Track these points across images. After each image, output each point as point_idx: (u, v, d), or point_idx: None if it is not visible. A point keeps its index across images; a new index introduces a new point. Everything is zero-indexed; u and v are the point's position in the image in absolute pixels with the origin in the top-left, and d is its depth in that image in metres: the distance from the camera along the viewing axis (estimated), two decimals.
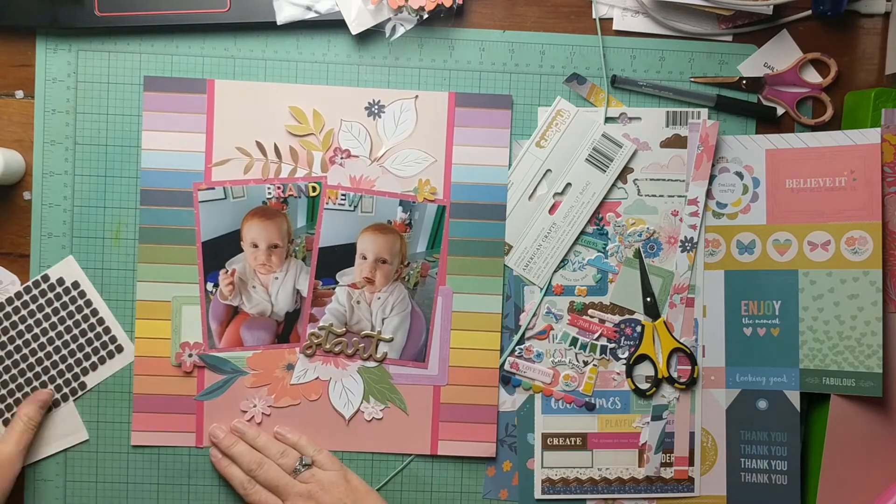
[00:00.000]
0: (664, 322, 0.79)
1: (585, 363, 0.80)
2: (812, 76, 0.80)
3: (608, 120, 0.78)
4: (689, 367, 0.79)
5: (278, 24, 0.76)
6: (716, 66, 0.80)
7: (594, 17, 0.79)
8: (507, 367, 0.79)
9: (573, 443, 0.79)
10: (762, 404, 0.79)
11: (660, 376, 0.79)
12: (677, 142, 0.78)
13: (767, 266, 0.79)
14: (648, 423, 0.79)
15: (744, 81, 0.79)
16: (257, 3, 0.76)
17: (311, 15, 0.76)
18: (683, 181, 0.78)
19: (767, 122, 0.80)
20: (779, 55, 0.80)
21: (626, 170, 0.78)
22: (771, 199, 0.78)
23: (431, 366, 0.79)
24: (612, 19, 0.79)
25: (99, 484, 0.79)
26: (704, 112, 0.78)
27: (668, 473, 0.79)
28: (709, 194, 0.79)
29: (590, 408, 0.79)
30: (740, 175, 0.79)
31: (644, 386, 0.79)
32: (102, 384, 0.78)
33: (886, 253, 0.76)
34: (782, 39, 0.79)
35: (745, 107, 0.79)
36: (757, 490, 0.80)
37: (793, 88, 0.80)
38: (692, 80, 0.80)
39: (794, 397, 0.79)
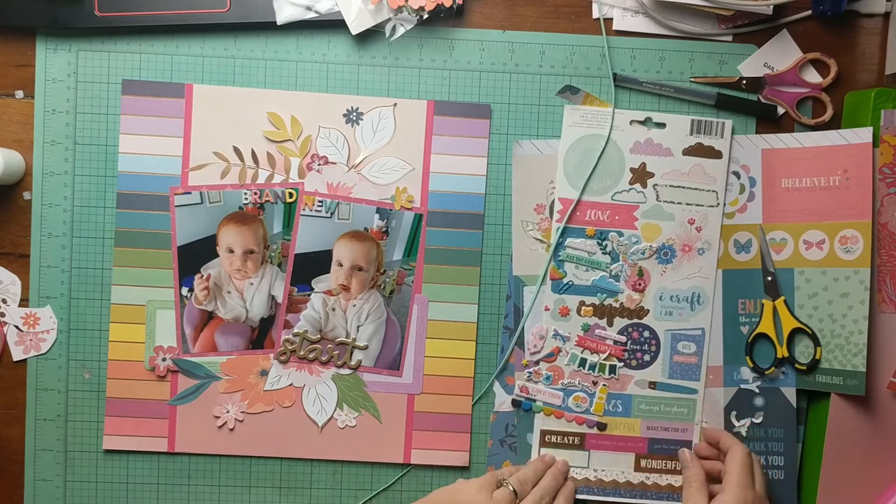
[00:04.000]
0: (784, 301, 0.78)
1: (595, 383, 0.80)
2: (812, 76, 0.80)
3: (634, 122, 0.78)
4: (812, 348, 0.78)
5: (278, 24, 0.76)
6: (716, 66, 0.80)
7: (595, 16, 0.79)
8: (517, 391, 0.79)
9: (571, 441, 0.79)
10: (759, 401, 0.79)
11: (780, 356, 0.78)
12: (700, 150, 0.78)
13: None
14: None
15: (744, 81, 0.79)
16: (257, 3, 0.76)
17: (311, 15, 0.76)
18: (703, 190, 0.78)
19: (768, 120, 0.80)
20: (779, 55, 0.80)
21: (647, 174, 0.78)
22: (767, 199, 0.79)
23: (406, 374, 0.79)
24: (612, 19, 0.79)
25: (99, 484, 0.79)
26: (729, 124, 0.78)
27: (663, 481, 0.79)
28: None
29: (601, 428, 0.79)
30: (737, 174, 0.79)
31: (764, 365, 0.79)
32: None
33: (885, 253, 0.77)
34: (782, 39, 0.79)
35: (745, 105, 0.79)
36: None
37: (793, 88, 0.80)
38: (692, 80, 0.80)
39: (791, 394, 0.79)
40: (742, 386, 0.80)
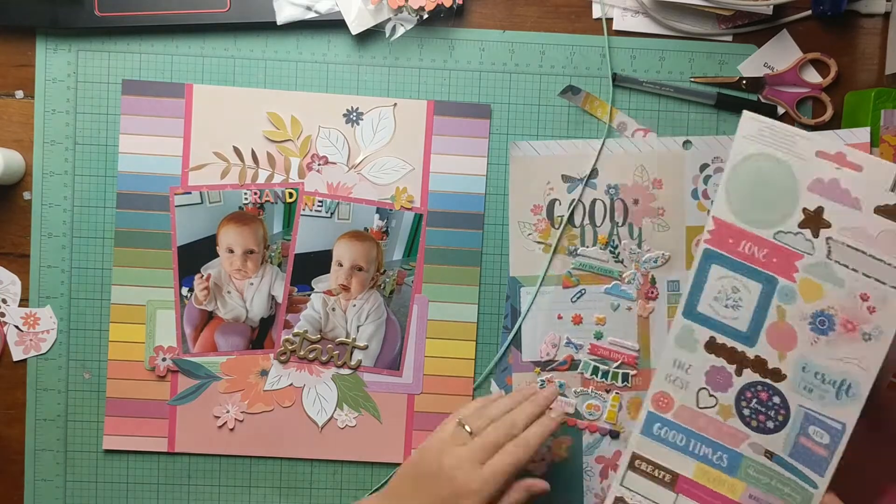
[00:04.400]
0: None
1: (608, 391, 0.80)
2: (812, 76, 0.80)
3: (823, 155, 0.66)
4: None
5: (278, 24, 0.76)
6: (716, 66, 0.80)
7: (595, 16, 0.79)
8: None
9: (661, 477, 0.71)
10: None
11: None
12: None
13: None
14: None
15: (744, 81, 0.79)
16: (257, 3, 0.76)
17: (311, 15, 0.76)
18: (890, 265, 0.64)
19: None
20: (779, 55, 0.80)
21: (822, 222, 0.66)
22: None
23: (406, 374, 0.79)
24: (612, 19, 0.79)
25: (99, 484, 0.79)
26: None
27: None
28: (704, 195, 0.79)
29: (613, 435, 0.79)
30: None
31: None
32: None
33: None
34: (782, 39, 0.79)
35: (745, 105, 0.79)
36: None
37: (793, 88, 0.80)
38: (692, 80, 0.80)
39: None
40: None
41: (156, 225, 0.78)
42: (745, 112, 0.67)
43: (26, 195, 0.78)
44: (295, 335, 0.79)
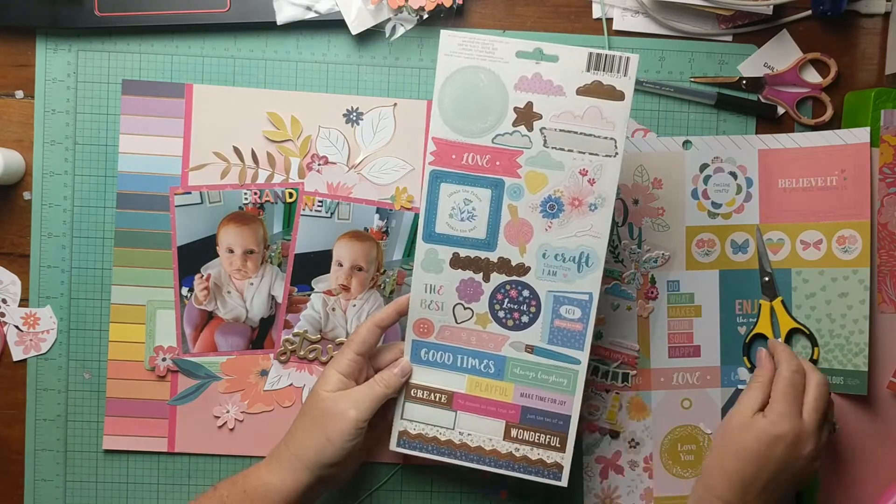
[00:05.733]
0: (781, 302, 0.78)
1: (608, 391, 0.80)
2: (812, 76, 0.80)
3: (522, 54, 0.68)
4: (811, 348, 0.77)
5: (278, 24, 0.76)
6: (716, 66, 0.80)
7: (595, 16, 0.79)
8: None
9: (438, 399, 0.73)
10: None
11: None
12: (598, 90, 0.67)
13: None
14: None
15: (744, 81, 0.79)
16: (257, 3, 0.76)
17: (311, 15, 0.76)
18: (599, 137, 0.68)
19: (768, 120, 0.80)
20: (779, 55, 0.80)
21: (534, 115, 0.68)
22: (764, 199, 0.79)
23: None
24: (612, 19, 0.79)
25: (99, 484, 0.79)
26: (635, 59, 0.66)
27: (534, 454, 0.72)
28: (704, 195, 0.79)
29: (613, 435, 0.79)
30: (734, 175, 0.79)
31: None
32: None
33: (885, 253, 0.77)
34: (782, 39, 0.79)
35: (745, 105, 0.79)
36: None
37: (793, 88, 0.80)
38: (692, 80, 0.80)
39: None
40: (739, 386, 0.80)
41: (156, 225, 0.78)
42: (442, 31, 0.68)
43: (26, 195, 0.78)
44: (295, 335, 0.79)
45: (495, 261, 0.71)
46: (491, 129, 0.69)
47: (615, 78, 0.67)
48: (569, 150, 0.69)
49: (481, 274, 0.71)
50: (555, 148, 0.69)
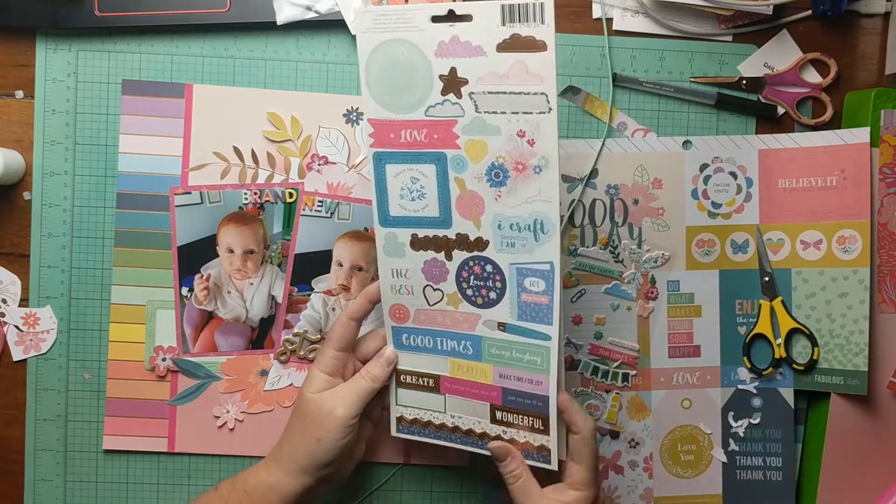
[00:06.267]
0: (781, 302, 0.78)
1: (607, 391, 0.80)
2: (812, 76, 0.80)
3: (436, 19, 0.64)
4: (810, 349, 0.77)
5: (278, 24, 0.76)
6: (716, 66, 0.80)
7: (595, 16, 0.79)
8: None
9: (426, 383, 0.73)
10: (756, 402, 0.80)
11: (777, 356, 0.78)
12: (518, 44, 0.62)
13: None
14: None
15: (744, 81, 0.79)
16: (257, 3, 0.76)
17: (311, 15, 0.76)
18: (529, 94, 0.63)
19: (768, 120, 0.80)
20: (779, 55, 0.80)
21: (460, 81, 0.64)
22: (764, 199, 0.79)
23: None
24: (612, 19, 0.79)
25: (99, 484, 0.79)
26: (550, 4, 0.61)
27: (521, 437, 0.70)
28: (704, 195, 0.79)
29: (613, 435, 0.79)
30: (734, 175, 0.79)
31: (762, 365, 0.78)
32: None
33: (885, 253, 0.77)
34: (782, 39, 0.79)
35: (745, 105, 0.79)
36: (752, 487, 0.80)
37: (793, 88, 0.80)
38: (692, 80, 0.80)
39: (789, 395, 0.79)
40: (739, 387, 0.80)
41: (156, 225, 0.78)
42: (355, 9, 0.65)
43: (26, 195, 0.78)
44: (295, 335, 0.79)
45: (454, 237, 0.69)
46: (421, 101, 0.66)
47: (533, 27, 0.62)
48: (502, 113, 0.64)
49: (443, 253, 0.69)
50: (487, 112, 0.65)
